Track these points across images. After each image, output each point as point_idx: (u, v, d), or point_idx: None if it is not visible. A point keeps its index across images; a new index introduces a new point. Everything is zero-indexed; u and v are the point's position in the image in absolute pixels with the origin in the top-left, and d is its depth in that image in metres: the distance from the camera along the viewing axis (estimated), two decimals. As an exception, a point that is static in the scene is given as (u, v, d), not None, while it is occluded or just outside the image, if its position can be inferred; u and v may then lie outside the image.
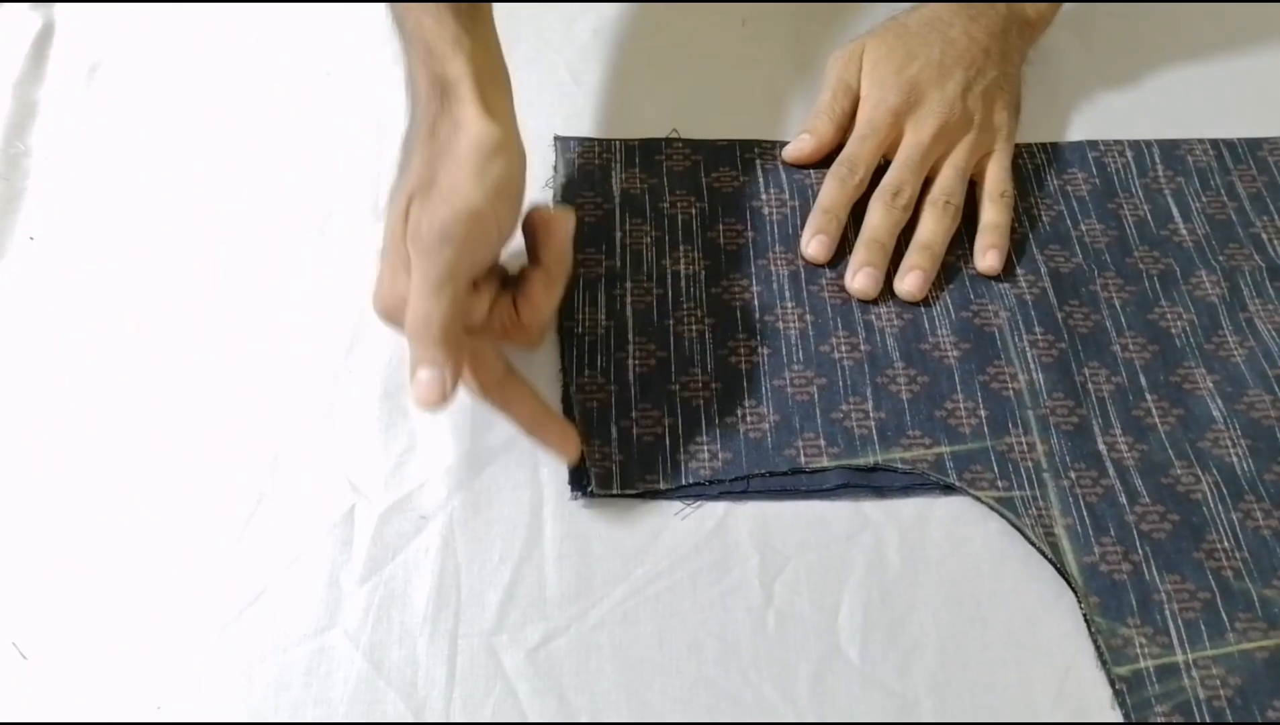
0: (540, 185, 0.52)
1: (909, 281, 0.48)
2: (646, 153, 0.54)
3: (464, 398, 0.45)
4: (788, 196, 0.52)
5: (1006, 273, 0.50)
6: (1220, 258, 0.51)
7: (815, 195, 0.51)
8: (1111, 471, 0.44)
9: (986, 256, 0.50)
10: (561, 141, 0.54)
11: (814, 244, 0.49)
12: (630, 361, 0.46)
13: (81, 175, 0.52)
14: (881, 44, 0.54)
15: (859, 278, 0.48)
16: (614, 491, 0.43)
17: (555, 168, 0.53)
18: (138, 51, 0.57)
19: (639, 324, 0.48)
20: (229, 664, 0.39)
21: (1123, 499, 0.43)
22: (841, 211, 0.50)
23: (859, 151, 0.51)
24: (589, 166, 0.53)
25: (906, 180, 0.50)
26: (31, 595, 0.40)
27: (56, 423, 0.44)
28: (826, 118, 0.53)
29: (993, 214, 0.51)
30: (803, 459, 0.44)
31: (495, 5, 0.59)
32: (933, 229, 0.50)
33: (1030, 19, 0.55)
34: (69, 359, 0.46)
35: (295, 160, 0.53)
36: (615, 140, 0.54)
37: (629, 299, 0.48)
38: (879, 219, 0.49)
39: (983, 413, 0.45)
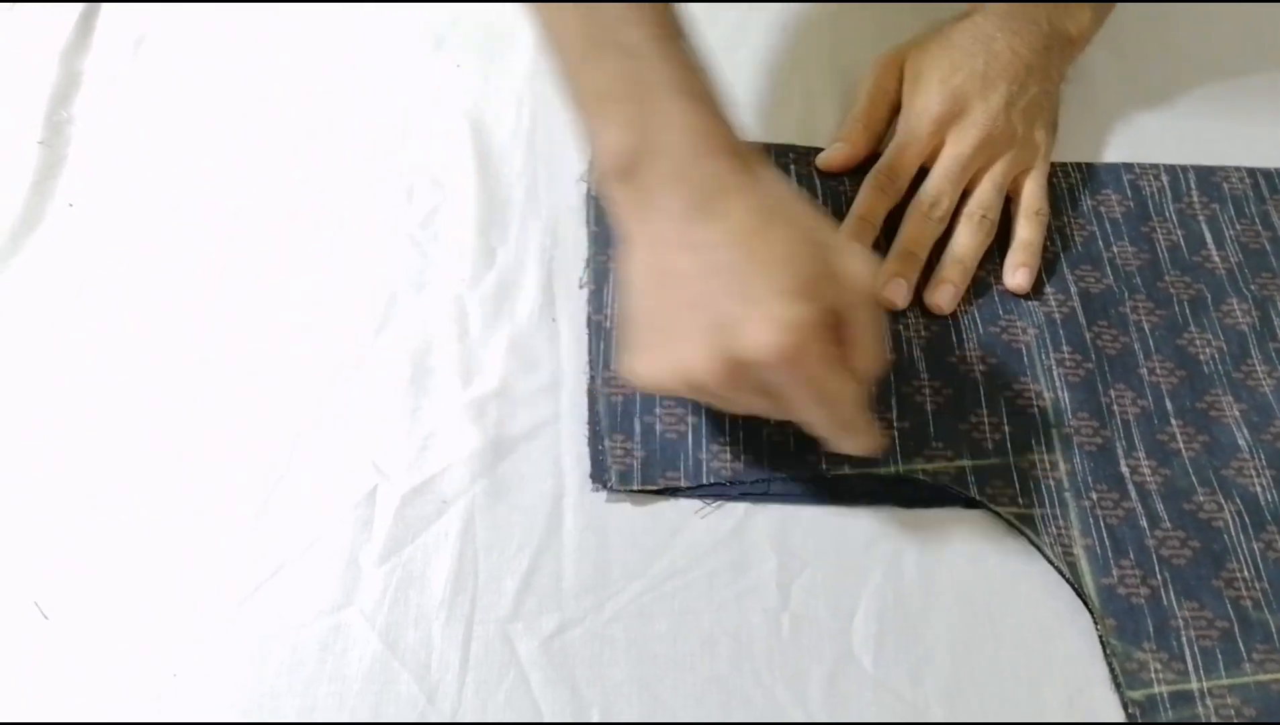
0: (575, 180, 0.53)
1: (940, 295, 0.48)
2: (682, 152, 0.54)
3: (487, 385, 0.45)
4: (821, 202, 0.52)
5: (1036, 291, 0.50)
6: (1252, 287, 0.51)
7: (849, 202, 0.51)
8: (1133, 494, 0.44)
9: (1017, 275, 0.49)
10: (598, 137, 0.54)
11: (848, 251, 0.49)
12: (657, 358, 0.46)
13: (123, 145, 0.53)
14: (924, 54, 0.53)
15: (890, 288, 0.48)
16: (635, 487, 0.43)
17: (591, 164, 0.53)
18: (184, 26, 0.58)
19: (667, 322, 0.48)
20: (245, 637, 0.39)
21: (1143, 523, 0.43)
22: (878, 220, 0.50)
23: (899, 160, 0.51)
24: (624, 163, 0.53)
25: (945, 191, 0.50)
26: (56, 559, 0.40)
27: (85, 392, 0.45)
28: (862, 126, 0.53)
29: (1026, 232, 0.51)
30: (824, 465, 0.44)
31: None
32: (967, 243, 0.50)
33: (1072, 36, 0.55)
34: (101, 327, 0.46)
35: (332, 143, 0.54)
36: (651, 138, 0.54)
37: (658, 296, 0.48)
38: (915, 230, 0.49)
39: (1007, 428, 0.45)
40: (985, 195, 0.51)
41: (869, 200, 0.50)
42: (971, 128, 0.51)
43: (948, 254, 0.50)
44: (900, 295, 0.48)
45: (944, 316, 0.49)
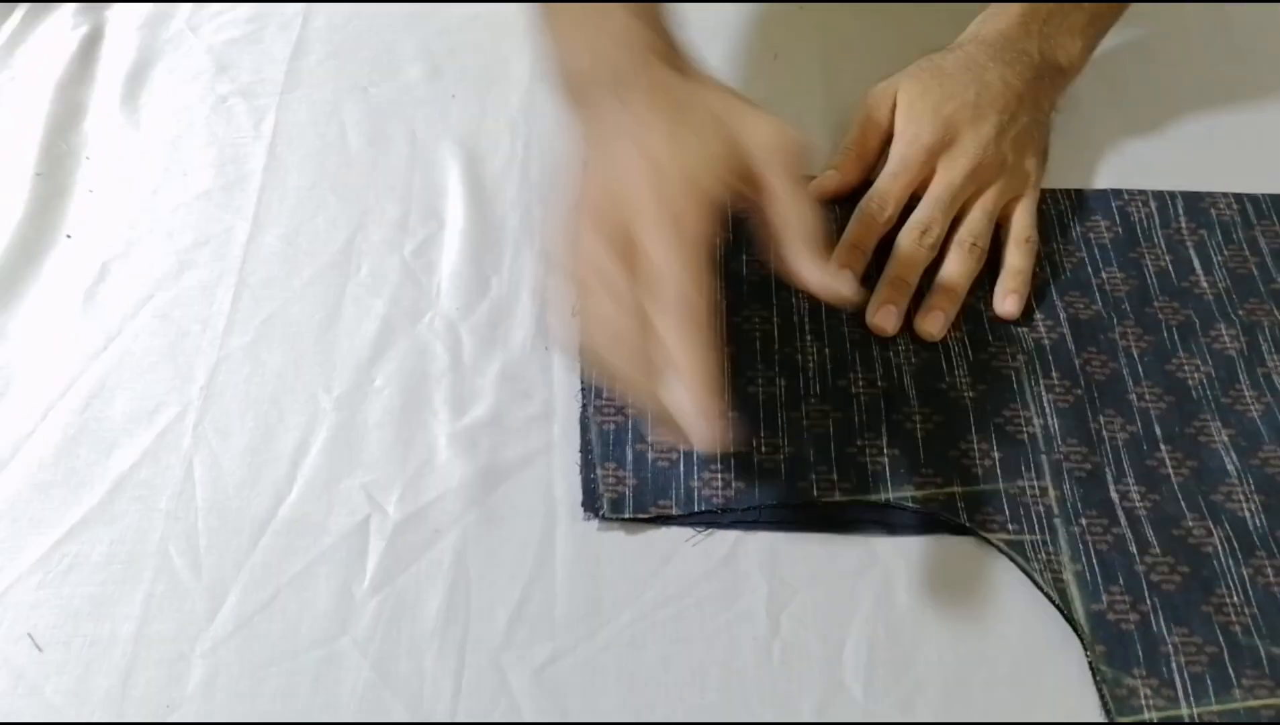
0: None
1: (930, 322, 0.49)
2: (674, 181, 0.54)
3: (479, 414, 0.46)
4: (812, 230, 0.53)
5: (1025, 317, 0.50)
6: (1240, 312, 0.51)
7: (840, 229, 0.51)
8: (1123, 520, 0.44)
9: (1006, 302, 0.50)
10: (591, 166, 0.55)
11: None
12: (648, 386, 0.47)
13: (121, 176, 0.53)
14: (916, 83, 0.54)
15: (880, 315, 0.49)
16: (626, 515, 0.43)
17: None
18: (182, 57, 0.59)
19: (659, 350, 0.48)
20: (238, 667, 0.39)
21: (1133, 548, 0.43)
22: (868, 247, 0.50)
23: (890, 188, 0.51)
24: (617, 192, 0.54)
25: (936, 219, 0.50)
26: (50, 592, 0.41)
27: (82, 423, 0.45)
28: (854, 155, 0.54)
29: (1016, 259, 0.51)
30: (815, 492, 0.44)
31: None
32: (957, 271, 0.50)
33: (1063, 67, 0.56)
34: (98, 358, 0.47)
35: (329, 170, 0.54)
36: (644, 167, 0.55)
37: (650, 324, 0.49)
38: (906, 258, 0.50)
39: (996, 455, 0.46)
40: (975, 223, 0.51)
41: (860, 228, 0.51)
42: (962, 156, 0.51)
43: (938, 281, 0.50)
44: (891, 322, 0.49)
45: (934, 343, 0.49)
